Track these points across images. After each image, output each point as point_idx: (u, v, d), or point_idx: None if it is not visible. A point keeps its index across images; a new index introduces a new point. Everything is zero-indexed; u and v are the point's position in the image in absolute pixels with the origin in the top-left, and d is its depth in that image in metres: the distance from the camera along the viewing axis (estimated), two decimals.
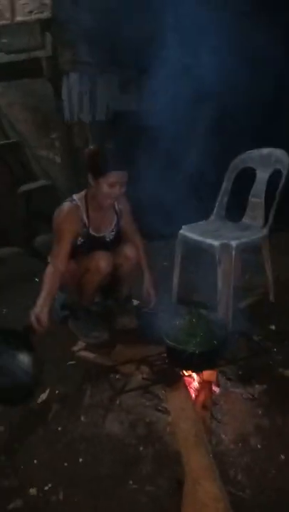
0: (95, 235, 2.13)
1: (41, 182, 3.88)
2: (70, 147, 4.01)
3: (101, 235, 2.16)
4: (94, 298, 2.26)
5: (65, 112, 3.95)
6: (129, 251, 2.18)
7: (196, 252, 2.62)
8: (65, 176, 4.01)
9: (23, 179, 3.75)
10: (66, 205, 2.06)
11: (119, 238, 2.24)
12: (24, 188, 3.61)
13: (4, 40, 3.93)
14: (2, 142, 3.83)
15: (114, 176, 1.93)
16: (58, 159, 4.04)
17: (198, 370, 1.86)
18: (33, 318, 1.81)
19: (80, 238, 2.08)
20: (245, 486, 1.41)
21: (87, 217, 2.08)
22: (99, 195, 2.00)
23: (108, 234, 2.19)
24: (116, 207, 2.19)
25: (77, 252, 2.09)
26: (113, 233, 2.21)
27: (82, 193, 2.10)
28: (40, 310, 1.83)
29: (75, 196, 2.10)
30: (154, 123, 3.92)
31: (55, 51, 3.94)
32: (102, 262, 2.05)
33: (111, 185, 1.94)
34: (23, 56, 3.97)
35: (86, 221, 2.08)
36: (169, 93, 4.06)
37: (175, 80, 3.95)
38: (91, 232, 2.11)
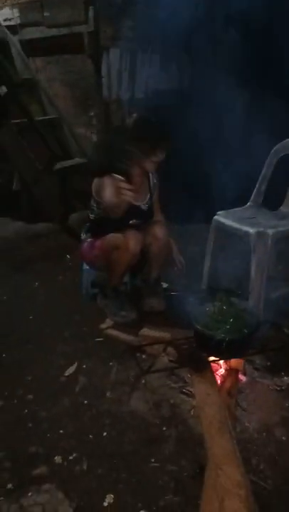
0: (135, 204, 2.11)
1: (77, 160, 3.89)
2: (107, 126, 3.99)
3: (137, 204, 2.15)
4: (123, 277, 2.27)
5: (104, 89, 3.91)
6: (158, 230, 2.18)
7: (229, 239, 2.58)
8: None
9: (60, 156, 3.76)
10: (108, 176, 2.03)
11: (152, 212, 2.24)
12: (60, 165, 3.63)
13: (47, 14, 3.90)
14: (41, 118, 3.84)
15: (162, 152, 1.98)
16: (95, 137, 4.03)
17: (225, 358, 1.85)
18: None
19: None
20: (268, 476, 1.41)
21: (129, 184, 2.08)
22: (142, 162, 2.03)
23: (143, 205, 2.20)
24: (151, 181, 2.20)
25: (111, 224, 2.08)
26: (147, 205, 2.22)
27: None
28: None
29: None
30: (194, 103, 3.84)
31: (97, 26, 3.88)
32: (131, 241, 2.05)
33: (156, 152, 1.99)
34: (64, 31, 3.94)
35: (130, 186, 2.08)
36: (211, 73, 3.95)
37: (218, 59, 3.83)
38: (132, 201, 2.10)
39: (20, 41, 4.03)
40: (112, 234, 2.08)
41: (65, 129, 4.00)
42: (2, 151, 3.51)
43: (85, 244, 2.22)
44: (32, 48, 4.09)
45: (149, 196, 2.23)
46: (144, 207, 2.21)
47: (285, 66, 3.06)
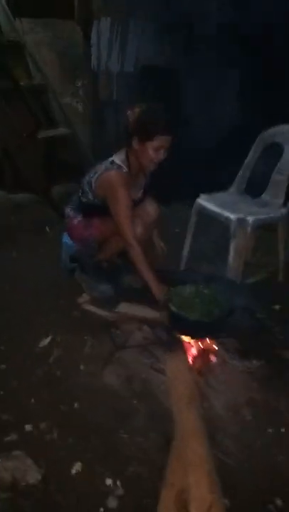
0: (132, 198, 2.09)
1: (62, 130, 3.79)
2: (94, 97, 3.89)
3: (135, 196, 2.14)
4: (112, 257, 2.27)
5: (93, 59, 3.80)
6: (150, 207, 2.19)
7: (210, 222, 2.60)
8: (86, 126, 3.91)
9: (44, 124, 3.65)
10: (118, 174, 1.97)
11: (144, 198, 2.23)
12: (44, 133, 3.53)
13: None
14: (26, 83, 3.69)
15: (162, 141, 1.87)
16: (81, 109, 3.93)
17: (197, 338, 1.90)
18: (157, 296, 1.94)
19: None
20: (232, 452, 1.47)
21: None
22: (143, 159, 1.95)
23: (136, 198, 2.17)
24: (147, 179, 2.19)
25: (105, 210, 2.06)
26: (140, 193, 2.20)
27: (123, 156, 2.02)
28: (158, 296, 1.94)
29: (117, 160, 2.00)
30: (184, 81, 3.77)
31: None
32: (138, 228, 2.06)
33: (157, 149, 1.89)
34: None
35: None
36: (204, 52, 3.87)
37: (212, 37, 3.75)
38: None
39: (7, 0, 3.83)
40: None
41: (50, 97, 3.87)
42: None
43: (76, 222, 2.17)
44: (19, 6, 3.90)
45: (142, 191, 2.20)
46: (138, 197, 2.18)
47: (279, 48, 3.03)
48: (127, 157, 2.00)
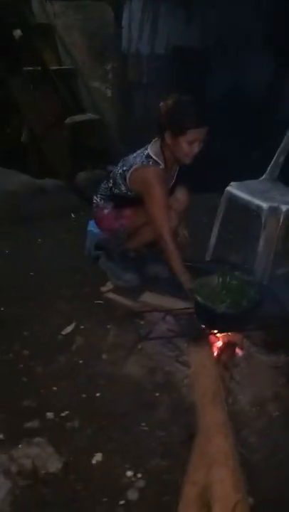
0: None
1: (89, 115, 3.75)
2: (123, 81, 3.81)
3: (168, 184, 2.09)
4: (140, 247, 2.24)
5: (123, 41, 3.71)
6: (181, 195, 2.14)
7: (240, 212, 2.51)
8: (114, 111, 3.85)
9: (72, 110, 3.61)
10: (154, 170, 1.93)
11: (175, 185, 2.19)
12: (72, 119, 3.49)
13: None
14: (55, 67, 3.65)
15: (195, 134, 1.82)
16: (110, 93, 3.86)
17: (224, 331, 1.84)
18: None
19: None
20: (257, 449, 1.42)
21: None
22: (177, 153, 1.91)
23: (171, 183, 2.14)
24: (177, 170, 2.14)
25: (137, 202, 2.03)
26: (173, 181, 2.16)
27: (157, 149, 1.96)
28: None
29: (153, 155, 1.95)
30: (217, 65, 3.64)
31: None
32: (171, 220, 2.03)
33: (191, 142, 1.84)
34: None
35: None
36: (238, 34, 3.72)
37: (246, 21, 3.60)
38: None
39: None
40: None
41: (79, 81, 3.82)
42: (13, 101, 3.37)
43: (107, 212, 2.13)
44: None
45: (173, 182, 2.16)
46: (170, 185, 2.14)
47: None
48: (162, 151, 1.95)
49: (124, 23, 3.72)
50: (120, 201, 2.10)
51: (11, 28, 3.19)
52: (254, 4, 3.53)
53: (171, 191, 2.13)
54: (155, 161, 1.94)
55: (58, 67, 3.73)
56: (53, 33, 3.81)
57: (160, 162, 1.95)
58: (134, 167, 1.97)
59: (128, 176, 1.99)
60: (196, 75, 3.53)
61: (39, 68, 3.42)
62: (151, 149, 1.97)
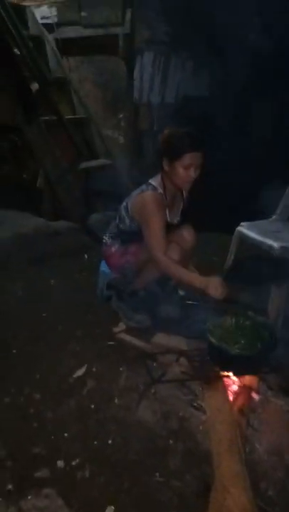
0: (169, 221, 2.07)
1: (102, 161, 3.89)
2: (135, 129, 3.98)
3: (172, 221, 2.12)
4: (150, 285, 2.23)
5: (135, 92, 3.91)
6: (187, 233, 2.14)
7: (250, 252, 2.51)
8: (126, 156, 3.99)
9: (86, 156, 3.76)
10: (151, 194, 1.95)
11: (181, 223, 2.20)
12: (85, 165, 3.63)
13: (84, 14, 3.93)
14: (70, 117, 3.85)
15: (190, 158, 1.83)
16: (122, 139, 4.03)
17: (239, 374, 1.79)
18: (212, 291, 1.81)
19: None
20: (276, 502, 1.34)
21: (166, 204, 2.03)
22: (175, 180, 1.92)
23: (175, 221, 2.15)
24: (184, 193, 2.15)
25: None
26: (178, 218, 2.17)
27: (158, 179, 2.01)
28: (206, 284, 1.82)
29: (153, 182, 2.00)
30: (224, 112, 3.79)
31: (133, 29, 3.88)
32: (174, 254, 1.99)
33: (187, 167, 1.85)
34: (100, 31, 3.95)
35: (166, 208, 2.04)
36: (243, 82, 3.90)
37: (250, 68, 3.78)
38: (168, 219, 2.06)
39: (56, 40, 4.07)
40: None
41: (92, 129, 4.01)
42: (29, 148, 3.53)
43: (114, 250, 2.16)
44: (67, 47, 4.12)
45: (181, 209, 2.18)
46: (175, 222, 2.16)
47: None
48: (162, 180, 1.99)
49: (136, 75, 3.94)
50: (127, 237, 2.12)
51: (28, 82, 3.40)
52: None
53: (176, 227, 2.15)
54: (154, 187, 1.97)
55: (73, 117, 3.93)
56: (68, 85, 4.05)
57: (159, 188, 1.97)
58: (133, 195, 2.03)
59: (129, 205, 2.03)
60: (204, 121, 3.67)
61: (54, 118, 3.60)
62: (152, 179, 2.02)
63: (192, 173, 1.88)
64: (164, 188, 1.99)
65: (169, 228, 2.06)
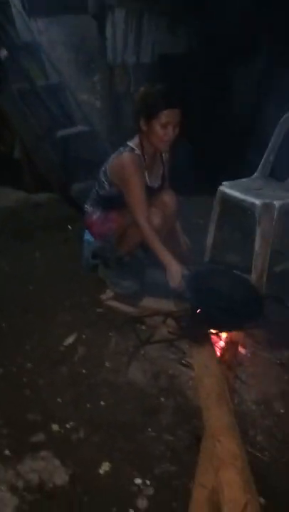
0: (149, 185, 2.04)
1: (80, 128, 3.77)
2: (111, 91, 3.84)
3: (153, 185, 2.08)
4: (134, 249, 2.22)
5: (109, 53, 3.74)
6: (167, 198, 2.09)
7: (234, 211, 2.51)
8: (104, 121, 3.87)
9: (62, 123, 3.64)
10: (129, 156, 1.91)
11: (162, 188, 2.16)
12: (63, 132, 3.52)
13: None
14: (43, 83, 3.69)
15: (167, 115, 1.79)
16: (98, 104, 3.89)
17: (225, 330, 1.83)
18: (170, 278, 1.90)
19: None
20: (265, 448, 1.40)
21: (145, 166, 2.00)
22: (153, 139, 1.88)
23: (156, 185, 2.12)
24: (164, 160, 2.11)
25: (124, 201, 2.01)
26: (159, 183, 2.14)
27: (136, 140, 1.96)
28: (168, 268, 1.91)
29: (130, 143, 1.96)
30: (203, 69, 3.67)
31: None
32: (155, 218, 1.98)
33: (164, 125, 1.81)
34: None
35: (146, 171, 2.00)
36: (223, 38, 3.75)
37: (229, 24, 3.63)
38: (148, 183, 2.02)
39: (22, 1, 3.84)
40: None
41: (67, 95, 3.85)
42: (3, 118, 3.40)
43: (95, 217, 2.14)
44: (33, 8, 3.90)
45: (161, 172, 2.14)
46: (156, 186, 2.12)
47: None
48: (140, 141, 1.94)
49: (108, 34, 3.75)
50: (107, 203, 2.09)
51: None
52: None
53: (157, 191, 2.11)
54: (131, 148, 1.93)
55: (46, 83, 3.76)
56: (38, 50, 3.85)
57: (136, 149, 1.93)
58: (112, 158, 1.99)
59: (108, 169, 1.99)
60: (183, 80, 3.55)
61: (27, 85, 3.45)
62: (130, 141, 1.97)
63: (170, 132, 1.83)
64: (142, 148, 1.94)
65: (150, 192, 2.04)
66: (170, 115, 1.80)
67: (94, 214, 2.14)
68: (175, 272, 1.89)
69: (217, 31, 3.64)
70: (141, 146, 1.94)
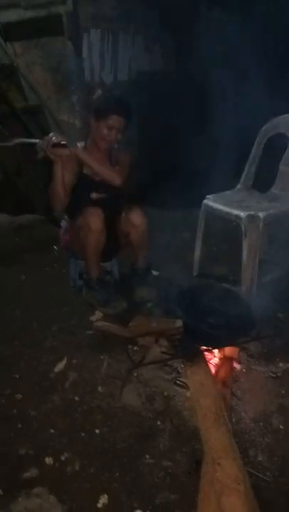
0: (84, 172, 2.07)
1: None
2: (89, 110, 3.85)
3: (97, 179, 2.08)
4: (99, 265, 2.16)
5: (86, 72, 3.77)
6: (135, 217, 2.11)
7: (219, 224, 2.51)
8: (84, 141, 3.88)
9: None
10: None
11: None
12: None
13: None
14: (22, 105, 3.68)
15: (114, 120, 1.95)
16: (78, 123, 3.90)
17: (218, 346, 1.80)
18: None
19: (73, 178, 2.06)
20: (266, 467, 1.37)
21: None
22: (97, 136, 2.02)
23: (104, 193, 2.14)
24: (113, 157, 2.14)
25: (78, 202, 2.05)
26: (108, 195, 2.14)
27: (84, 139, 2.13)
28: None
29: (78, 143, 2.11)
30: (180, 84, 3.72)
31: (76, 6, 3.71)
32: (90, 216, 1.98)
33: (109, 128, 1.97)
34: (42, 12, 3.76)
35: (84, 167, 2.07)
36: (198, 53, 3.82)
37: (205, 39, 3.70)
38: (84, 171, 2.07)
39: None
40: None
41: (47, 116, 3.85)
42: None
43: (61, 231, 2.24)
44: (9, 31, 3.92)
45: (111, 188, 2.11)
46: (103, 194, 2.13)
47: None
48: (86, 139, 2.10)
49: (85, 54, 3.79)
50: (69, 214, 2.18)
51: None
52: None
53: (108, 191, 2.10)
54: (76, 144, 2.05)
55: (25, 105, 3.76)
56: (16, 72, 3.86)
57: (79, 144, 2.07)
58: None
59: None
60: (160, 97, 3.59)
61: (5, 108, 3.44)
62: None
63: (113, 135, 1.99)
64: (85, 145, 2.08)
65: (101, 186, 2.06)
66: (116, 121, 1.96)
67: (61, 229, 2.22)
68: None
69: (189, 48, 3.72)
70: (85, 143, 2.10)
